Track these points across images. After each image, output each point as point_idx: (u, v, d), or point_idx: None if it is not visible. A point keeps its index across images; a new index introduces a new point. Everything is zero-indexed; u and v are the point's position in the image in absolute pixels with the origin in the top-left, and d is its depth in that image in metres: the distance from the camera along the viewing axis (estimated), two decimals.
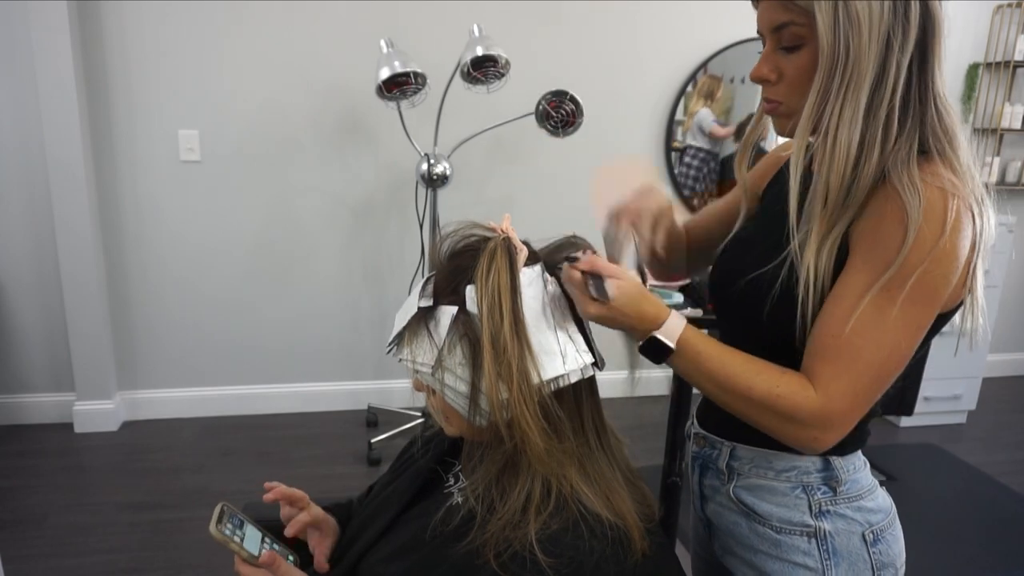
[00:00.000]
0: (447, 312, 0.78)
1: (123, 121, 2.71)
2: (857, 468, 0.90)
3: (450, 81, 2.54)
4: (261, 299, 2.97)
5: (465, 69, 2.45)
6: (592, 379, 0.83)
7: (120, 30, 2.62)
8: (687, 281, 1.81)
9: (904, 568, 0.92)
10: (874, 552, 0.88)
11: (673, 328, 0.81)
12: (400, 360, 0.82)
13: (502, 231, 0.81)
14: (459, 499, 0.85)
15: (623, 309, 0.80)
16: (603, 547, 0.76)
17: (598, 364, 0.84)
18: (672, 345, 0.81)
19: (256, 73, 2.74)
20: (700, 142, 3.18)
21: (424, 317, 0.80)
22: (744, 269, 0.87)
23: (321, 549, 0.97)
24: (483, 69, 2.44)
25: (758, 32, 0.85)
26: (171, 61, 2.67)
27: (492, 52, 2.41)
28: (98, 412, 2.85)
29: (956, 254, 0.74)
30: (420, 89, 2.41)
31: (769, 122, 0.90)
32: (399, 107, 2.49)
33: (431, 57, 2.52)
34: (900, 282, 0.74)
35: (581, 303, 0.81)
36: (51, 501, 2.36)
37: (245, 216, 2.87)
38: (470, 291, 0.77)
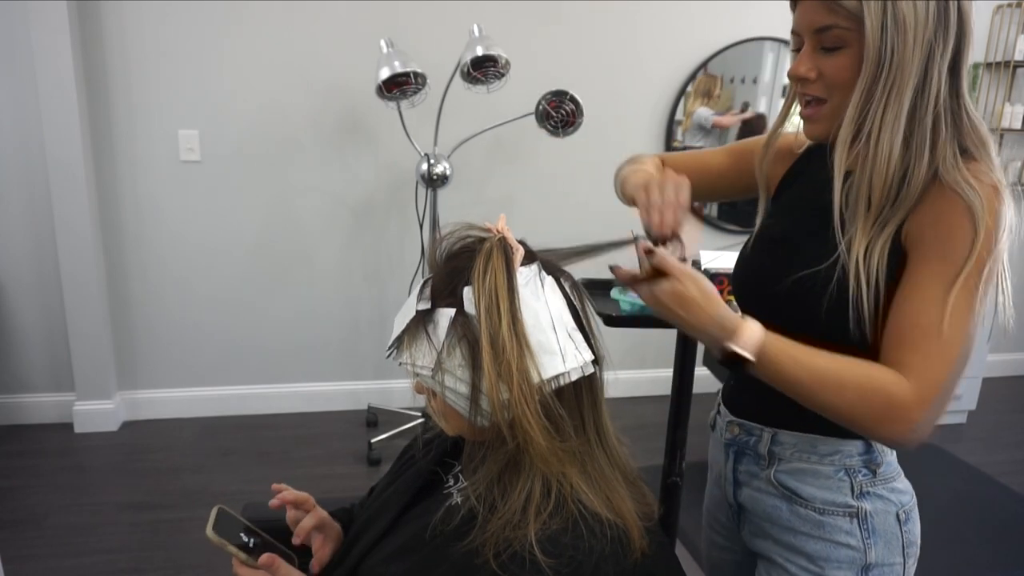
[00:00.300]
0: (445, 314, 0.78)
1: (123, 121, 2.71)
2: (889, 451, 0.94)
3: (450, 81, 2.54)
4: (261, 299, 2.97)
5: (465, 69, 2.45)
6: (592, 377, 0.83)
7: (120, 30, 2.62)
8: None
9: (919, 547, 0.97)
10: (905, 531, 0.93)
11: (750, 339, 0.80)
12: (400, 364, 0.82)
13: (497, 231, 0.81)
14: (459, 499, 0.85)
15: (687, 309, 0.81)
16: (602, 547, 0.76)
17: (599, 361, 0.84)
18: (751, 357, 0.80)
19: (256, 73, 2.74)
20: (700, 141, 3.18)
21: (423, 320, 0.80)
22: (790, 268, 0.89)
23: (320, 555, 0.97)
24: (483, 69, 2.44)
25: (794, 32, 0.87)
26: (171, 61, 2.67)
27: (492, 52, 2.41)
28: (98, 412, 2.85)
29: (1002, 242, 0.78)
30: (420, 89, 2.41)
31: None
32: (399, 107, 2.49)
33: (431, 57, 2.52)
34: (976, 274, 0.77)
35: (646, 290, 0.83)
36: (51, 501, 2.36)
37: (245, 216, 2.87)
38: (467, 292, 0.77)
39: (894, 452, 0.95)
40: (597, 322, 0.87)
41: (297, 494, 0.96)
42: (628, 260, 0.89)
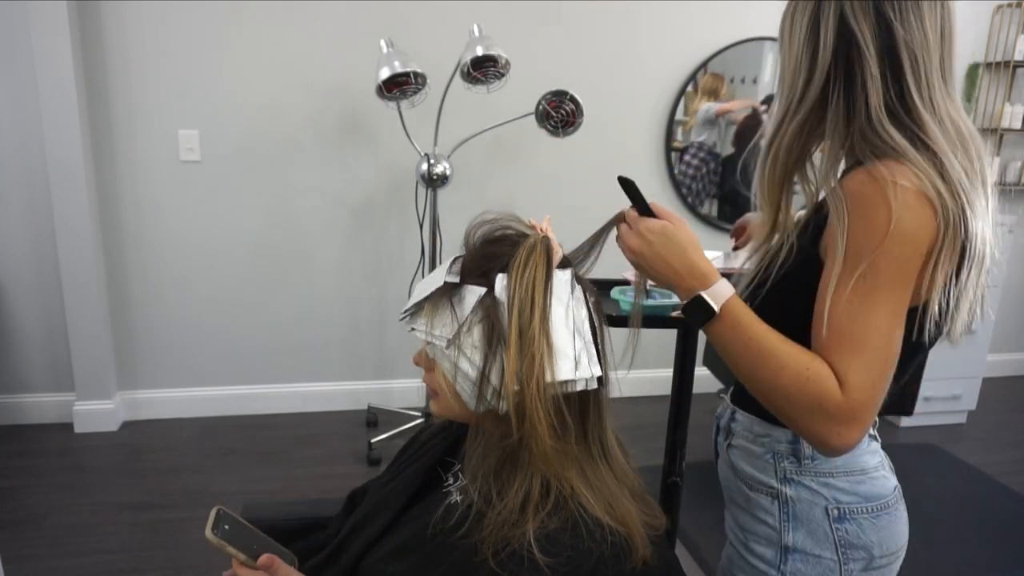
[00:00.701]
0: (474, 291, 0.79)
1: (123, 121, 2.71)
2: None
3: (450, 81, 2.54)
4: (261, 299, 2.97)
5: (465, 69, 2.45)
6: (599, 393, 0.84)
7: (120, 30, 2.62)
8: None
9: (891, 561, 0.95)
10: (837, 528, 0.92)
11: (720, 292, 0.84)
12: (412, 329, 0.83)
13: (542, 230, 0.83)
14: (458, 498, 0.85)
15: (670, 249, 0.85)
16: (602, 550, 0.76)
17: (604, 383, 0.84)
18: (716, 308, 0.83)
19: (256, 73, 2.74)
20: (705, 136, 3.17)
21: (449, 292, 0.81)
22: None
23: None
24: (483, 69, 2.44)
25: None
26: (171, 61, 2.67)
27: (492, 52, 2.41)
28: (98, 412, 2.85)
29: (910, 236, 0.76)
30: (420, 89, 2.41)
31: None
32: (399, 107, 2.49)
33: (431, 57, 2.52)
34: (870, 267, 0.77)
35: (625, 235, 0.89)
36: (51, 501, 2.36)
37: (245, 216, 2.87)
38: (501, 279, 0.79)
39: (850, 455, 0.94)
40: (609, 340, 0.88)
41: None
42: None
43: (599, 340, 0.84)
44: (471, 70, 2.44)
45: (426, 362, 0.85)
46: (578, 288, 0.83)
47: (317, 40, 2.75)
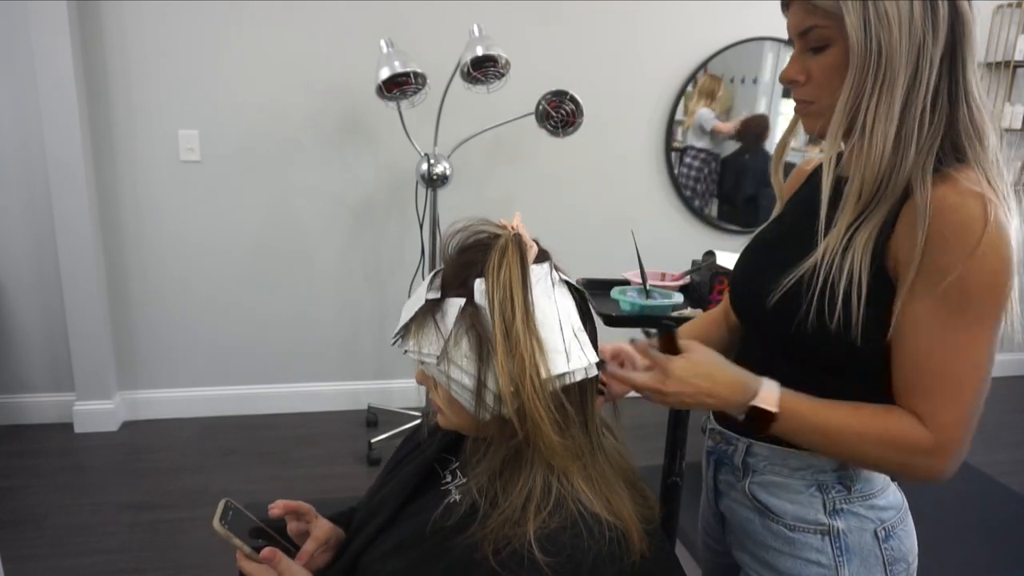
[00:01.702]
0: (454, 304, 0.79)
1: (123, 121, 2.71)
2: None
3: (450, 81, 2.54)
4: (261, 299, 2.97)
5: (465, 69, 2.45)
6: (595, 381, 0.83)
7: (120, 30, 2.62)
8: (687, 281, 1.81)
9: (916, 562, 0.94)
10: (886, 548, 0.89)
11: (770, 394, 0.82)
12: (405, 352, 0.83)
13: (512, 228, 0.82)
14: (457, 496, 0.85)
15: (702, 381, 0.83)
16: (600, 547, 0.76)
17: (602, 366, 0.84)
18: (775, 410, 0.82)
19: (256, 73, 2.74)
20: (701, 142, 3.18)
21: (431, 309, 0.81)
22: (775, 269, 0.87)
23: (322, 558, 0.95)
24: (483, 69, 2.44)
25: (788, 36, 0.87)
26: (171, 61, 2.67)
27: (492, 52, 2.41)
28: (98, 412, 2.85)
29: (1003, 256, 0.74)
30: (420, 89, 2.41)
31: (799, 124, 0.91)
32: (399, 107, 2.49)
33: (431, 57, 2.52)
34: (965, 300, 0.74)
35: (658, 390, 0.84)
36: (51, 501, 2.36)
37: (245, 216, 2.87)
38: (479, 284, 0.78)
39: None
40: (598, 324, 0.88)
41: (298, 503, 0.95)
42: None
43: (589, 327, 0.84)
44: (471, 70, 2.44)
45: (425, 380, 0.85)
46: (558, 279, 0.82)
47: (317, 40, 2.75)
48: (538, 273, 0.80)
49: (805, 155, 1.01)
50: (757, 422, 0.83)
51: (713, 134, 3.17)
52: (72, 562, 2.06)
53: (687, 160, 3.20)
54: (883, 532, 0.89)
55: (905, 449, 0.79)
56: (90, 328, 2.76)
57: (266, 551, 0.84)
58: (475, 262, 0.80)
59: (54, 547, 2.12)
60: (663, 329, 0.87)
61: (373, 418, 3.00)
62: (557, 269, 0.84)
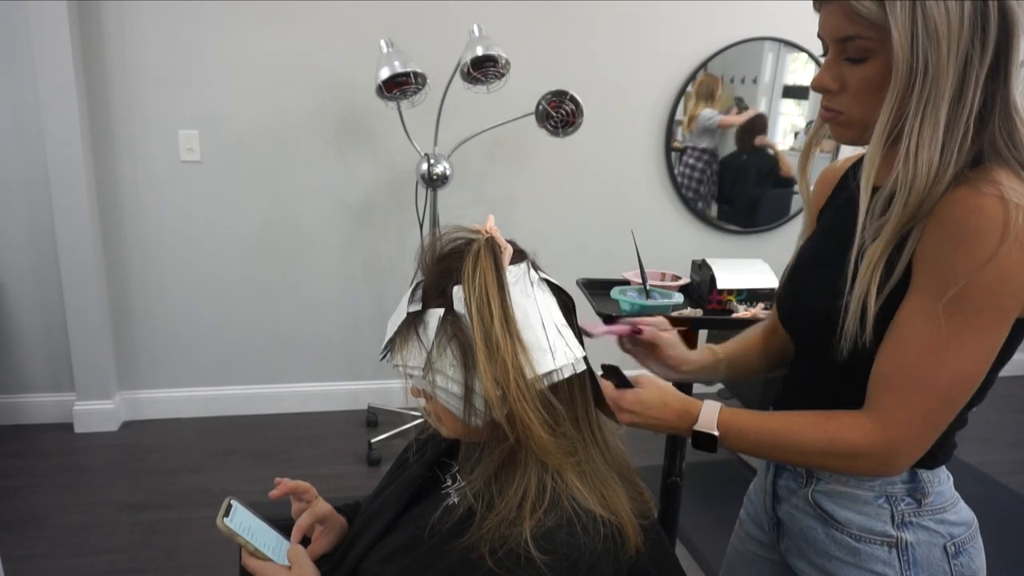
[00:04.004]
0: (435, 314, 0.79)
1: (123, 121, 2.71)
2: (942, 480, 0.89)
3: (450, 81, 2.54)
4: (261, 299, 2.97)
5: (465, 69, 2.45)
6: (582, 376, 0.83)
7: (120, 30, 2.62)
8: (687, 281, 1.81)
9: None
10: (955, 564, 0.87)
11: (708, 416, 0.88)
12: (394, 366, 0.84)
13: (486, 231, 0.82)
14: (456, 499, 0.86)
15: (653, 412, 0.90)
16: (596, 544, 0.77)
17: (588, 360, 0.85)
18: (715, 433, 0.87)
19: (256, 73, 2.74)
20: (703, 142, 3.18)
21: (413, 321, 0.81)
22: (823, 292, 0.85)
23: (318, 545, 0.98)
24: (483, 69, 2.44)
25: (819, 37, 0.82)
26: (171, 61, 2.67)
27: (492, 52, 2.41)
28: (98, 412, 2.85)
29: (1021, 263, 0.70)
30: (420, 89, 2.41)
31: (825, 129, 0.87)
32: (399, 107, 2.49)
33: (431, 57, 2.52)
34: (959, 300, 0.72)
35: (616, 414, 0.90)
36: (51, 501, 2.36)
37: (245, 216, 2.87)
38: (457, 292, 0.78)
39: (949, 481, 0.90)
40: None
41: (296, 483, 0.97)
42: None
43: (573, 322, 0.84)
44: (471, 70, 2.44)
45: (419, 393, 0.85)
46: (537, 277, 0.82)
47: (317, 40, 2.75)
48: (515, 274, 0.80)
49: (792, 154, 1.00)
50: (703, 444, 0.88)
51: (717, 131, 3.17)
52: (72, 562, 2.06)
53: (687, 161, 3.20)
54: (953, 548, 0.87)
55: (845, 455, 0.81)
56: (90, 328, 2.76)
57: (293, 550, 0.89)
58: (452, 270, 0.80)
59: (54, 547, 2.12)
60: (607, 370, 0.94)
61: (373, 418, 3.00)
62: (536, 268, 0.84)
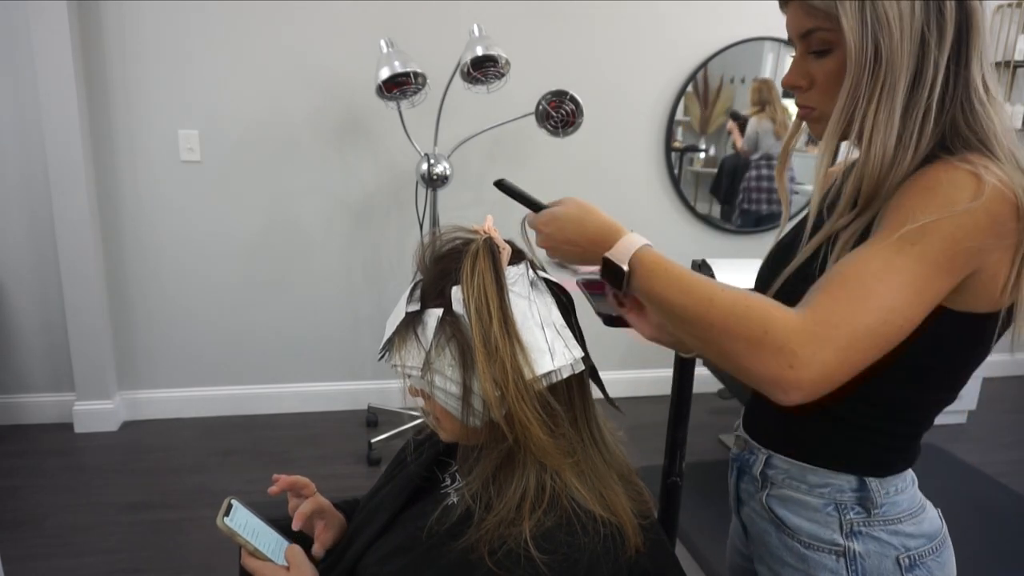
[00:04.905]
0: (433, 315, 0.79)
1: (123, 121, 2.71)
2: (899, 490, 0.86)
3: (450, 81, 2.54)
4: (261, 299, 2.97)
5: (465, 69, 2.45)
6: (581, 375, 0.83)
7: (120, 30, 2.62)
8: None
9: None
10: None
11: (625, 247, 0.78)
12: (393, 366, 0.83)
13: (484, 232, 0.82)
14: (455, 499, 0.85)
15: (568, 230, 0.82)
16: (595, 544, 0.77)
17: (588, 360, 0.84)
18: (624, 266, 0.77)
19: (256, 73, 2.74)
20: (759, 152, 3.20)
21: (412, 321, 0.81)
22: (783, 270, 0.85)
23: (322, 539, 0.98)
24: (483, 69, 2.44)
25: (788, 37, 0.83)
26: (171, 61, 2.67)
27: (492, 52, 2.41)
28: (98, 412, 2.85)
29: (986, 227, 0.68)
30: (420, 89, 2.41)
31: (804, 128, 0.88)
32: (399, 107, 2.49)
33: (431, 57, 2.52)
34: (922, 233, 0.68)
35: (537, 239, 0.86)
36: (51, 501, 2.36)
37: (245, 216, 2.87)
38: (455, 292, 0.78)
39: (908, 491, 0.87)
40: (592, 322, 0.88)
41: (295, 478, 0.97)
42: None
43: (576, 322, 0.84)
44: (471, 70, 2.44)
45: (417, 393, 0.85)
46: (537, 279, 0.82)
47: (317, 40, 2.75)
48: (514, 275, 0.80)
49: (805, 155, 1.00)
50: (613, 278, 0.78)
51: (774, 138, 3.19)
52: (72, 562, 2.06)
53: (761, 171, 3.21)
54: (907, 560, 0.84)
55: (760, 324, 0.67)
56: (90, 328, 2.76)
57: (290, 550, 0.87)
58: (450, 270, 0.80)
59: (54, 547, 2.12)
60: (498, 184, 0.89)
61: (373, 418, 3.00)
62: (535, 268, 0.84)
